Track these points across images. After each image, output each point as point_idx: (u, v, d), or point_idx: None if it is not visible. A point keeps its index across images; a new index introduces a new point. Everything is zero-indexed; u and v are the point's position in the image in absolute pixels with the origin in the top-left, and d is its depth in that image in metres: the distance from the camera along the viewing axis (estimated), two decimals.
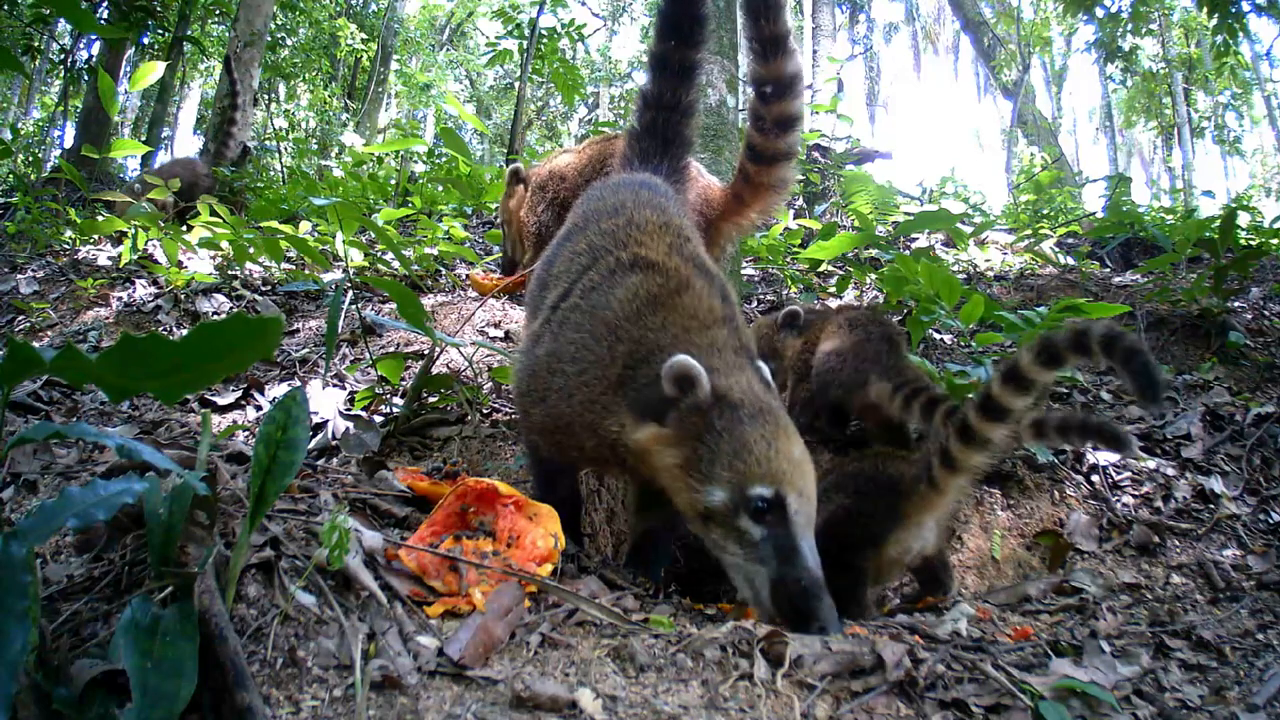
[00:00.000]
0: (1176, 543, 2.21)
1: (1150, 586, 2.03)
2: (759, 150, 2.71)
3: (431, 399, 2.81)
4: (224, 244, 4.52)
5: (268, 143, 12.00)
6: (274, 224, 4.90)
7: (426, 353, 3.00)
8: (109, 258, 4.88)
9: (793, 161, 2.78)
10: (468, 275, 4.55)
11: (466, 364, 3.16)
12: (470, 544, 1.60)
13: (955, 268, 5.11)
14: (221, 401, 3.03)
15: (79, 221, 5.12)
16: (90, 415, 2.74)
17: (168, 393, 1.02)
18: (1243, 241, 4.64)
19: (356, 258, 4.39)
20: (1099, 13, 10.03)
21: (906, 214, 5.50)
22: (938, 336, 3.70)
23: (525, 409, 1.90)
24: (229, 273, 4.56)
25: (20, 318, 4.13)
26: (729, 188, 3.06)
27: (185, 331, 1.26)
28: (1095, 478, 2.50)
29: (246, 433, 2.71)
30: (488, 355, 3.25)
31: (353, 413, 2.80)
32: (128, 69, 8.44)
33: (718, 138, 4.09)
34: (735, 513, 1.50)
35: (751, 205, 2.95)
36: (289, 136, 11.96)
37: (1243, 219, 5.40)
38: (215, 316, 4.06)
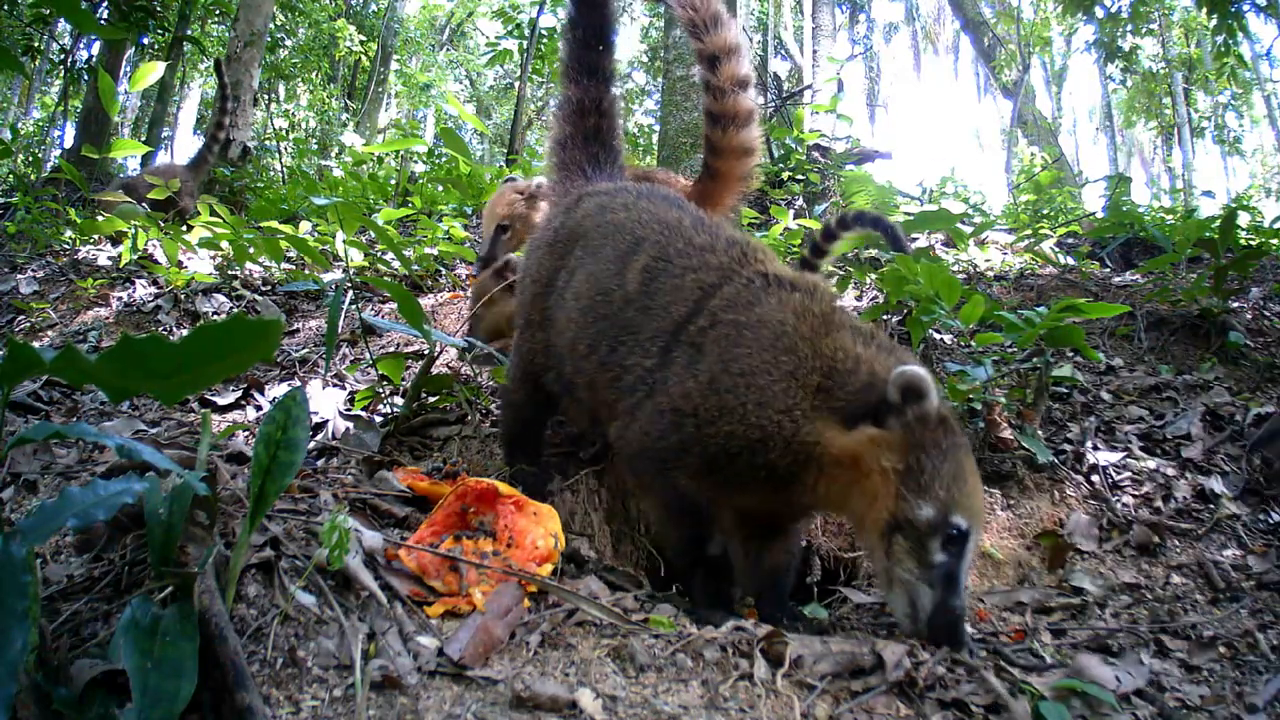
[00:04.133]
0: (1176, 543, 2.21)
1: (1150, 586, 2.03)
2: (718, 114, 2.77)
3: (431, 399, 2.81)
4: (224, 244, 4.52)
5: (268, 143, 12.00)
6: (274, 224, 4.90)
7: (426, 353, 3.00)
8: (109, 258, 4.89)
9: (755, 124, 2.82)
10: (468, 275, 4.55)
11: (466, 364, 3.16)
12: (470, 544, 1.60)
13: (955, 268, 5.10)
14: (221, 401, 3.03)
15: (79, 221, 5.13)
16: (90, 415, 2.74)
17: (168, 393, 1.02)
18: (1243, 241, 4.63)
19: (356, 258, 4.39)
20: (1099, 13, 10.03)
21: (906, 214, 5.49)
22: (938, 336, 3.70)
23: (680, 447, 1.71)
24: (229, 273, 4.56)
25: (20, 318, 4.13)
26: (698, 177, 3.09)
27: (185, 331, 1.26)
28: (1095, 478, 2.50)
29: (246, 433, 2.71)
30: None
31: (353, 413, 2.80)
32: (128, 69, 8.44)
33: None
34: (932, 533, 1.52)
35: (724, 178, 2.95)
36: (289, 136, 11.95)
37: (1243, 219, 5.39)
38: (215, 316, 4.06)
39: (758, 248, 1.94)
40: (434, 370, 2.89)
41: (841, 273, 4.86)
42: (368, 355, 3.06)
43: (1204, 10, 7.75)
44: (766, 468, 1.65)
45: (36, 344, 1.22)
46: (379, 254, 4.88)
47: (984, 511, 1.59)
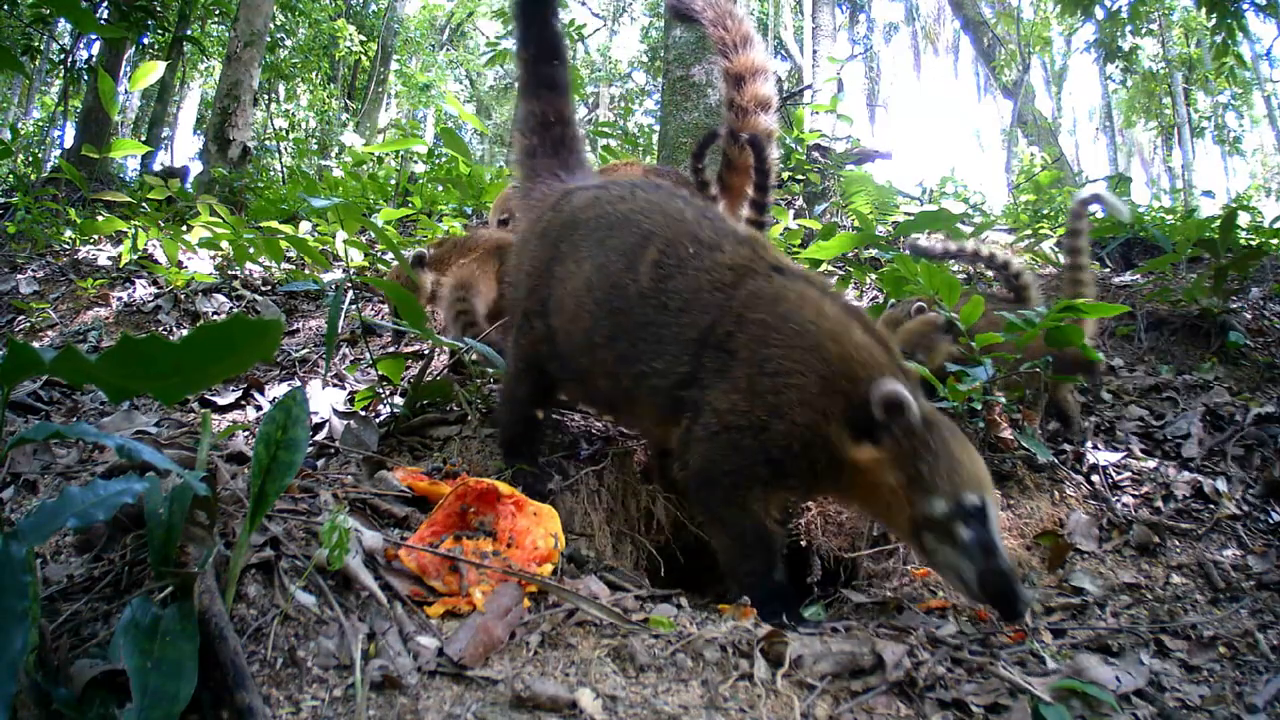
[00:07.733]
0: (1176, 543, 2.21)
1: (1150, 586, 2.03)
2: (737, 133, 2.86)
3: (430, 401, 2.81)
4: (224, 244, 4.52)
5: (268, 143, 12.00)
6: (274, 224, 4.90)
7: (426, 353, 3.00)
8: (109, 258, 4.88)
9: (772, 144, 2.90)
10: None
11: (466, 364, 3.16)
12: (470, 544, 1.60)
13: (955, 268, 5.10)
14: (221, 401, 3.03)
15: (79, 221, 5.12)
16: (90, 415, 2.74)
17: (167, 393, 1.02)
18: (1243, 241, 4.63)
19: (356, 258, 4.39)
20: (1099, 13, 10.00)
21: (906, 214, 5.50)
22: None
23: (746, 464, 1.78)
24: (229, 273, 4.56)
25: (20, 318, 4.13)
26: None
27: (185, 331, 1.26)
28: (1095, 478, 2.50)
29: (246, 433, 2.70)
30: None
31: (352, 412, 2.80)
32: (128, 69, 8.42)
33: None
34: (952, 519, 1.65)
35: (736, 193, 3.06)
36: (289, 136, 11.94)
37: (1243, 219, 5.39)
38: (215, 316, 4.06)
39: (761, 240, 2.01)
40: (434, 369, 2.89)
41: (841, 273, 4.86)
42: (368, 355, 3.06)
43: (1204, 10, 7.74)
44: (818, 468, 1.77)
45: (36, 344, 1.22)
46: (379, 254, 4.88)
47: (985, 471, 1.72)
